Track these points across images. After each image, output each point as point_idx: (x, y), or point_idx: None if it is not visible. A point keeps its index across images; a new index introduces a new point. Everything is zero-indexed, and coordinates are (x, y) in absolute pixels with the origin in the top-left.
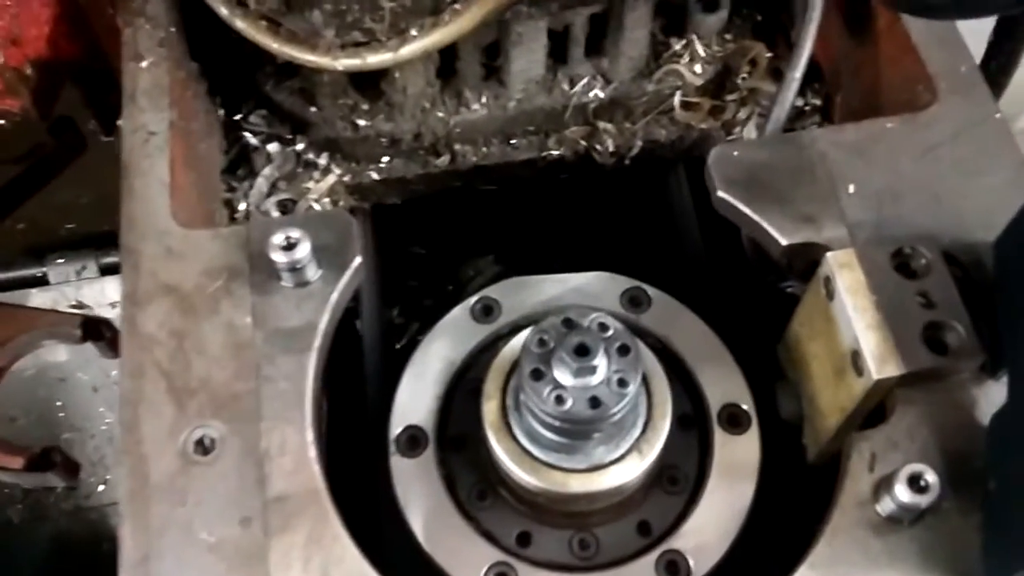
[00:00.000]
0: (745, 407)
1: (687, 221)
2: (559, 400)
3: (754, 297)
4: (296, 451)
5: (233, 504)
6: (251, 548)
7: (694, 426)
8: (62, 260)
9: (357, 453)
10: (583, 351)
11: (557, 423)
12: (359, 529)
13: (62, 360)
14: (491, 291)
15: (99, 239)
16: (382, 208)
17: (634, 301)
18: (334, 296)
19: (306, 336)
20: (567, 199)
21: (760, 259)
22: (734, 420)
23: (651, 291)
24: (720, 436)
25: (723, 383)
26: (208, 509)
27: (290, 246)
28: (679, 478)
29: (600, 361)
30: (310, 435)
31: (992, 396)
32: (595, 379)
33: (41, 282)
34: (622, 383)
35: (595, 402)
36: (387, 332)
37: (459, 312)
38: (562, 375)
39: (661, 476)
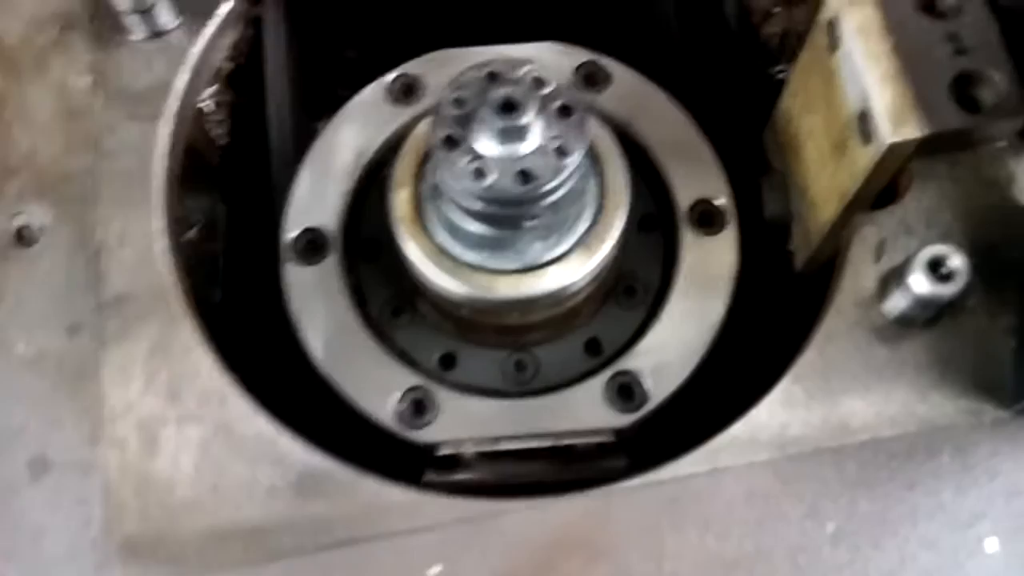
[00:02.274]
0: (720, 203)
1: None
2: (478, 174)
3: (736, 83)
4: (140, 243)
5: (58, 307)
6: (79, 362)
7: (658, 227)
8: None
9: (254, 264)
10: (509, 107)
11: (479, 207)
12: (244, 350)
13: None
14: (412, 66)
15: None
16: None
17: (590, 79)
18: (195, 49)
19: (157, 99)
20: None
21: (748, 33)
22: (706, 219)
23: (612, 65)
24: (689, 237)
25: (695, 176)
26: (26, 314)
27: None
28: (637, 288)
29: (532, 121)
30: (159, 222)
31: None
32: (525, 146)
33: None
34: (561, 152)
35: (525, 176)
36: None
37: (373, 92)
38: (483, 142)
39: (616, 287)
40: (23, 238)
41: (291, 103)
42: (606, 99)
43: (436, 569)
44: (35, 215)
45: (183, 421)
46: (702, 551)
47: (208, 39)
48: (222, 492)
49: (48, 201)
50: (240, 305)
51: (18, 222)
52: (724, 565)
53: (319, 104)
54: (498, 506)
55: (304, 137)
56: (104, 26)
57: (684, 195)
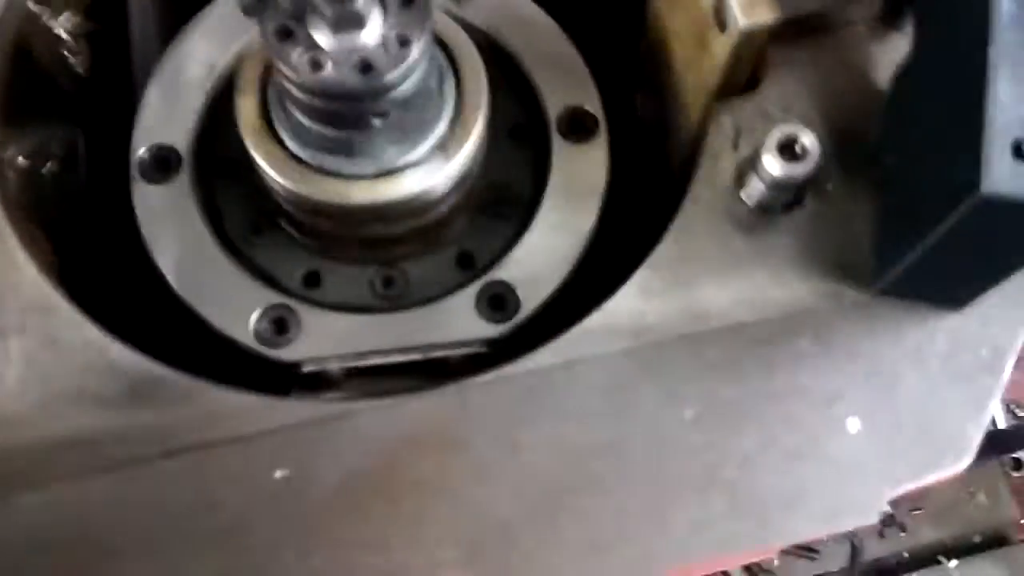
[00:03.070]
0: (591, 110)
1: None
2: (315, 65)
3: None
4: None
5: None
6: None
7: (528, 137)
8: None
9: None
10: None
11: (320, 104)
12: (88, 272)
13: None
14: None
15: None
16: None
17: None
18: None
19: None
20: None
21: None
22: (578, 126)
23: None
24: (560, 146)
25: (565, 84)
26: None
27: None
28: (510, 199)
29: (370, 10)
30: None
31: (892, 51)
32: (366, 36)
33: None
34: (403, 41)
35: (365, 66)
36: None
37: (224, 1)
38: (319, 32)
39: (487, 198)
40: None
41: (154, 29)
42: (472, 9)
43: (283, 472)
44: None
45: (5, 333)
46: (558, 441)
47: None
48: (49, 405)
49: None
50: (97, 232)
51: None
52: (580, 454)
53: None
54: (347, 407)
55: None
56: None
57: (553, 103)
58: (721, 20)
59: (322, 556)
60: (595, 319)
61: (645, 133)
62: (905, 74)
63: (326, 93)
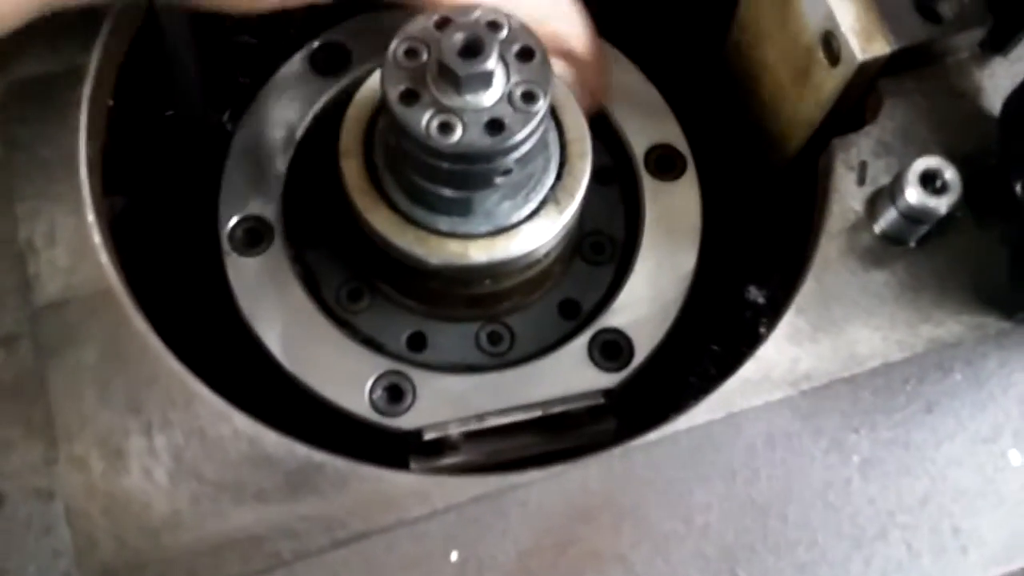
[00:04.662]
0: (678, 147)
1: None
2: (445, 128)
3: (673, 25)
4: (73, 239)
5: None
6: (20, 378)
7: (617, 179)
8: None
9: (189, 261)
10: (471, 52)
11: (446, 166)
12: (193, 351)
13: None
14: (336, 34)
15: None
16: None
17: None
18: (104, 28)
19: (71, 83)
20: None
21: None
22: (665, 164)
23: None
24: (650, 185)
25: (648, 122)
26: None
27: None
28: (604, 244)
29: (495, 67)
30: (91, 215)
31: (999, 78)
32: (491, 94)
33: None
34: (529, 97)
35: (495, 126)
36: (218, 139)
37: (297, 64)
38: (445, 93)
39: (583, 244)
40: None
41: (197, 91)
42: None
43: (458, 554)
44: None
45: (149, 430)
46: (730, 499)
47: (116, 17)
48: (205, 502)
49: None
50: (173, 299)
51: None
52: (755, 511)
53: (219, 94)
54: (510, 480)
55: (212, 126)
56: None
57: (639, 142)
58: (832, 54)
59: None
60: (749, 369)
61: (732, 166)
62: (1015, 99)
63: (456, 156)
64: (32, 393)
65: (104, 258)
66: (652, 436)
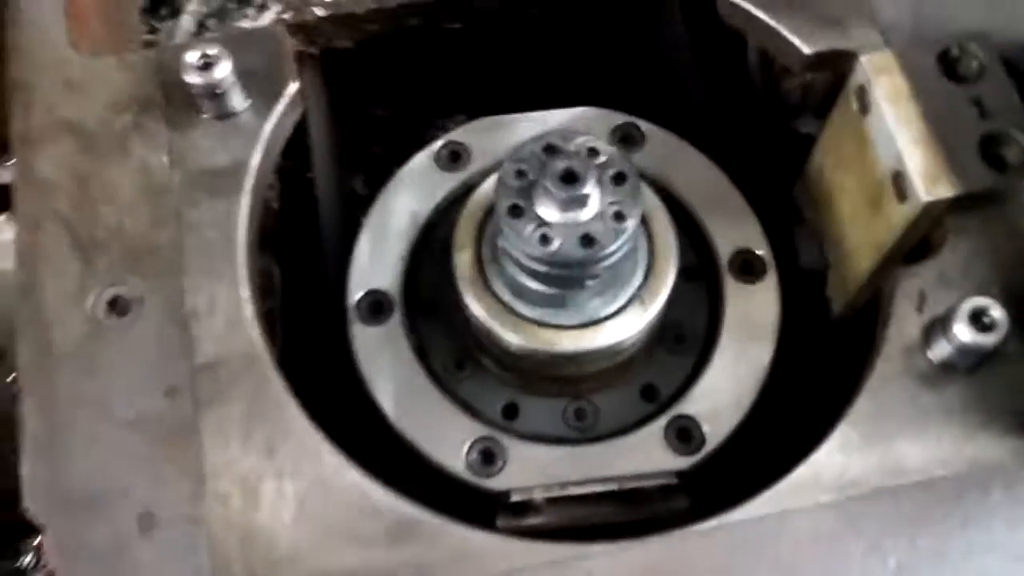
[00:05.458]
0: (760, 252)
1: (681, 54)
2: (544, 240)
3: (762, 138)
4: (228, 310)
5: (155, 372)
6: (179, 423)
7: (701, 277)
8: None
9: (318, 328)
10: (570, 178)
11: (543, 269)
12: (317, 407)
13: None
14: (458, 134)
15: None
16: (334, 56)
17: (627, 139)
18: (267, 128)
19: (235, 176)
20: (541, 36)
21: (770, 89)
22: (747, 268)
23: (646, 126)
24: (732, 286)
25: (733, 227)
26: (126, 379)
27: (207, 65)
28: (686, 336)
29: (592, 190)
30: (245, 291)
31: None
32: (586, 212)
33: None
34: (619, 217)
35: (588, 240)
36: (350, 204)
37: (422, 159)
38: (546, 210)
39: (665, 334)
40: (117, 308)
41: (333, 164)
42: (642, 158)
43: None
44: (126, 287)
45: (281, 476)
46: None
47: (278, 118)
48: (320, 543)
49: (138, 273)
50: (302, 363)
51: (110, 293)
52: None
53: (353, 161)
54: (581, 550)
55: (345, 195)
56: (179, 109)
57: (724, 246)
58: (901, 191)
59: None
60: (802, 472)
61: (807, 272)
62: None
63: (551, 263)
64: (188, 437)
65: (253, 329)
66: (711, 523)
